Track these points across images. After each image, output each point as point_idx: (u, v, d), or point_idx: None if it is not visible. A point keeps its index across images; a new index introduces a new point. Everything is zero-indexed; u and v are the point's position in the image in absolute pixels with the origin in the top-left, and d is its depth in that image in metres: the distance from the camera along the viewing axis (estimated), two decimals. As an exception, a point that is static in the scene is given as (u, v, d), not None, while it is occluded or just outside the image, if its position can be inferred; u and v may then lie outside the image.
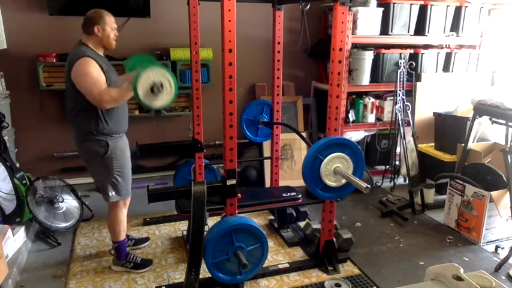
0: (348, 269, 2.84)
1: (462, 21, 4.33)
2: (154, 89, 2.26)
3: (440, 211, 3.61)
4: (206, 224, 2.38)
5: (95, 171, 2.61)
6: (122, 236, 2.73)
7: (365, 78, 4.09)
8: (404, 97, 4.12)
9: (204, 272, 2.54)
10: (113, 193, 2.59)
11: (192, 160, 3.47)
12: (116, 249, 2.76)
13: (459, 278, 1.17)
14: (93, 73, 2.35)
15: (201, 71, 3.48)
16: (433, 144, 4.18)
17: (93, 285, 2.63)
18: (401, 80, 4.15)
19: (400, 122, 4.05)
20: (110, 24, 2.50)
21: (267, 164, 4.06)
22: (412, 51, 4.24)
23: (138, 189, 2.73)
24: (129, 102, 2.63)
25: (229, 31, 2.16)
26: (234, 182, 2.39)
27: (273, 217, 3.52)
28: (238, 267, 2.42)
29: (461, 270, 1.20)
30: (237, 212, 2.48)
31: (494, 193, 3.07)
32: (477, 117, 3.51)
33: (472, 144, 3.62)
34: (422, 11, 4.18)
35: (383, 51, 4.11)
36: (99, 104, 2.37)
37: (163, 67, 2.32)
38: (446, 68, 4.45)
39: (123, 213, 2.71)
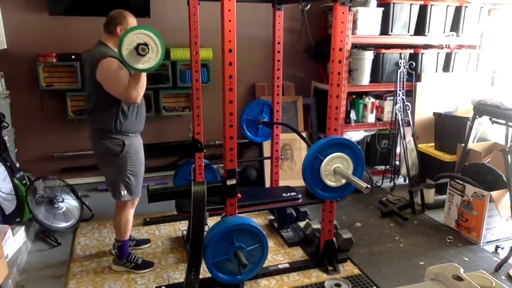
0: (348, 269, 2.84)
1: (462, 21, 4.33)
2: (139, 50, 2.15)
3: (440, 211, 3.61)
4: (206, 224, 2.38)
5: (108, 170, 2.60)
6: (127, 236, 2.74)
7: (365, 78, 4.09)
8: (404, 97, 4.12)
9: (204, 272, 2.54)
10: (125, 192, 2.59)
11: (192, 160, 3.47)
12: (119, 248, 2.77)
13: (459, 278, 1.17)
14: (119, 72, 2.36)
15: (201, 71, 3.48)
16: (433, 144, 4.18)
17: (93, 285, 2.63)
18: (401, 80, 4.15)
19: (400, 122, 4.05)
20: (132, 25, 2.52)
21: (267, 164, 4.06)
22: (412, 51, 4.24)
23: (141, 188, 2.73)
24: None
25: (229, 31, 2.16)
26: (234, 182, 2.39)
27: (273, 217, 3.52)
28: (238, 267, 2.42)
29: (461, 270, 1.20)
30: (237, 212, 2.48)
31: (494, 193, 3.07)
32: (477, 117, 3.51)
33: (472, 144, 3.62)
34: (422, 11, 4.19)
35: (383, 51, 4.11)
36: (130, 99, 2.36)
37: (149, 28, 2.20)
38: (446, 68, 4.45)
39: (131, 213, 2.72)
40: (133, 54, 2.16)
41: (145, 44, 2.16)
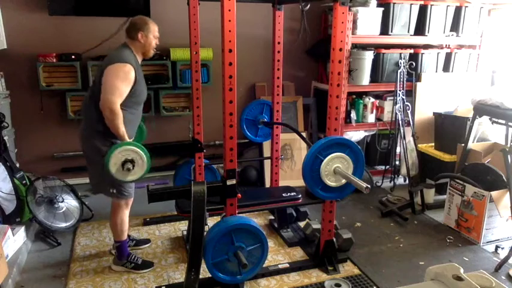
0: (348, 269, 2.84)
1: (462, 21, 4.33)
2: (125, 166, 2.30)
3: (440, 211, 3.61)
4: (206, 224, 2.38)
5: (96, 170, 2.60)
6: (124, 236, 2.74)
7: (365, 78, 4.09)
8: (404, 97, 4.12)
9: (204, 272, 2.53)
10: (114, 191, 2.59)
11: (192, 160, 3.47)
12: (117, 248, 2.77)
13: (459, 278, 1.17)
14: (125, 83, 2.40)
15: (201, 71, 3.48)
16: (433, 144, 4.18)
17: (93, 285, 2.63)
18: (401, 80, 4.15)
19: (400, 122, 4.05)
20: (153, 32, 2.56)
21: (267, 164, 4.06)
22: (412, 51, 4.24)
23: (138, 189, 2.73)
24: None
25: (229, 31, 2.16)
26: (234, 182, 2.39)
27: (273, 217, 3.52)
28: (238, 267, 2.42)
29: (461, 270, 1.20)
30: (237, 212, 2.48)
31: (494, 193, 3.07)
32: (477, 117, 3.51)
33: (472, 144, 3.62)
34: (422, 11, 4.18)
35: (383, 51, 4.11)
36: (105, 108, 2.37)
37: (134, 143, 2.36)
38: (446, 68, 4.45)
39: (126, 214, 2.72)
40: (120, 170, 2.32)
41: (131, 161, 2.32)
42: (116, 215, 2.68)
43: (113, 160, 2.29)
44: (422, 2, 4.16)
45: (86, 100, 2.61)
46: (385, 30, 4.10)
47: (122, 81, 2.39)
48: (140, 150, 2.33)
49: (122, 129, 2.42)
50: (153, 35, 2.56)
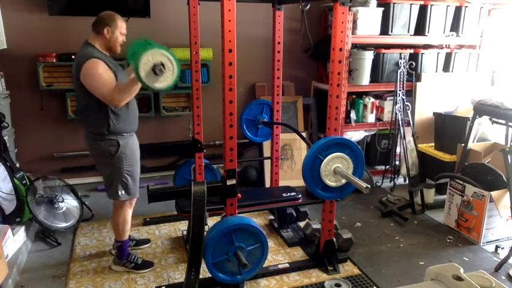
0: (348, 269, 2.84)
1: (462, 21, 4.33)
2: (156, 70, 2.17)
3: (440, 211, 3.61)
4: (206, 224, 2.38)
5: (105, 171, 2.61)
6: (126, 236, 2.74)
7: (365, 78, 4.09)
8: (404, 97, 4.12)
9: (204, 272, 2.54)
10: (123, 192, 2.59)
11: (192, 160, 3.47)
12: (118, 248, 2.77)
13: (459, 278, 1.16)
14: (102, 74, 2.35)
15: (201, 71, 3.48)
16: (433, 144, 4.18)
17: (93, 285, 2.63)
18: (401, 80, 4.15)
19: (400, 122, 4.05)
20: (120, 29, 2.52)
21: (267, 164, 4.06)
22: (412, 51, 4.24)
23: (139, 189, 2.72)
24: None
25: (229, 31, 2.16)
26: (234, 182, 2.39)
27: (273, 217, 3.52)
28: (238, 267, 2.42)
29: (461, 270, 1.20)
30: (237, 212, 2.48)
31: (494, 193, 3.07)
32: (477, 117, 3.51)
33: (472, 144, 3.63)
34: (422, 11, 4.18)
35: (383, 51, 4.11)
36: (112, 103, 2.36)
37: (163, 47, 2.22)
38: (446, 68, 4.45)
39: (129, 213, 2.72)
40: (150, 74, 2.18)
41: (162, 64, 2.19)
42: (118, 214, 2.68)
43: (143, 64, 2.15)
44: (422, 2, 4.16)
45: (77, 108, 2.60)
46: (385, 30, 4.10)
47: (100, 73, 2.34)
48: (169, 53, 2.20)
49: (129, 84, 2.32)
50: (119, 31, 2.51)
